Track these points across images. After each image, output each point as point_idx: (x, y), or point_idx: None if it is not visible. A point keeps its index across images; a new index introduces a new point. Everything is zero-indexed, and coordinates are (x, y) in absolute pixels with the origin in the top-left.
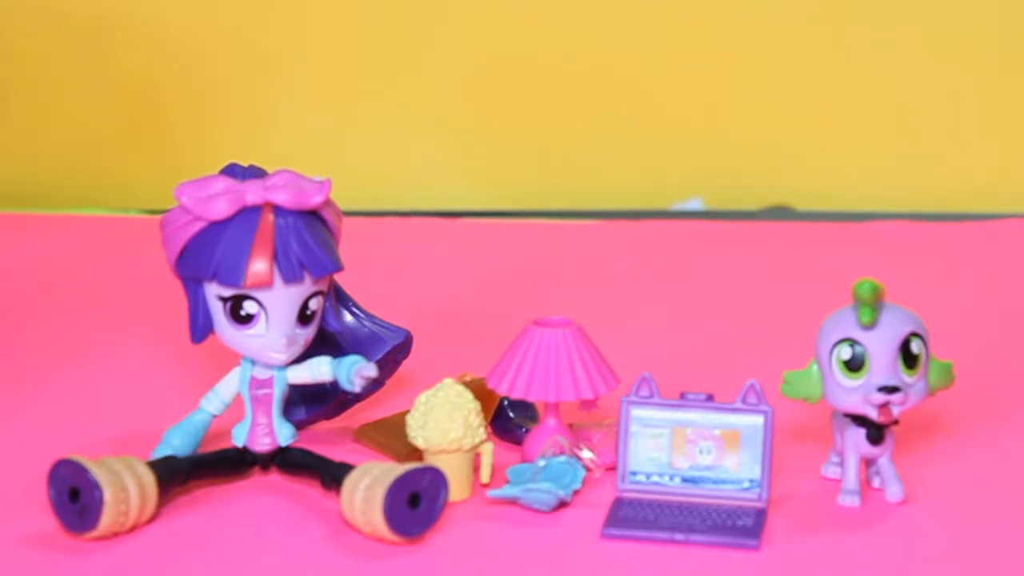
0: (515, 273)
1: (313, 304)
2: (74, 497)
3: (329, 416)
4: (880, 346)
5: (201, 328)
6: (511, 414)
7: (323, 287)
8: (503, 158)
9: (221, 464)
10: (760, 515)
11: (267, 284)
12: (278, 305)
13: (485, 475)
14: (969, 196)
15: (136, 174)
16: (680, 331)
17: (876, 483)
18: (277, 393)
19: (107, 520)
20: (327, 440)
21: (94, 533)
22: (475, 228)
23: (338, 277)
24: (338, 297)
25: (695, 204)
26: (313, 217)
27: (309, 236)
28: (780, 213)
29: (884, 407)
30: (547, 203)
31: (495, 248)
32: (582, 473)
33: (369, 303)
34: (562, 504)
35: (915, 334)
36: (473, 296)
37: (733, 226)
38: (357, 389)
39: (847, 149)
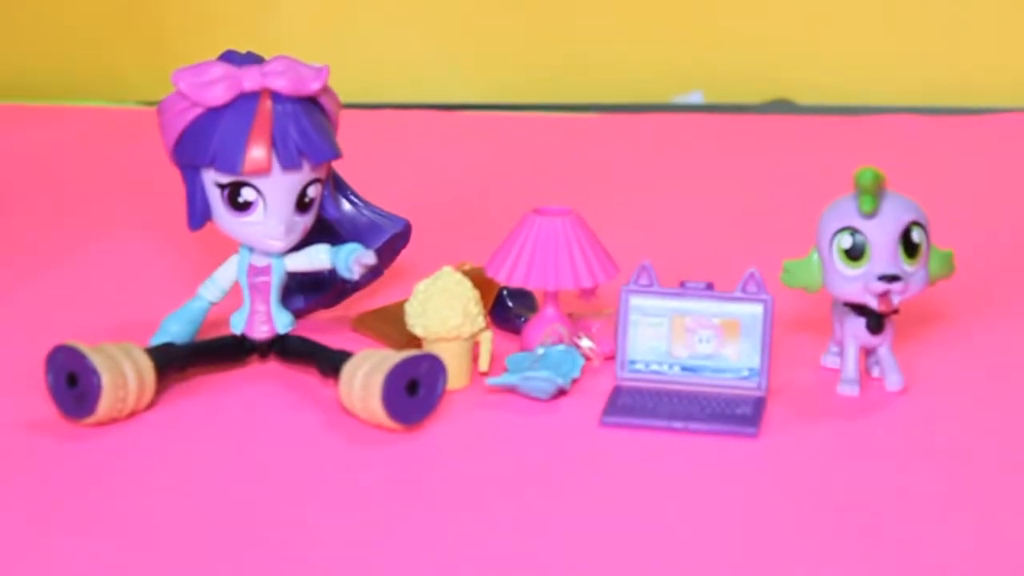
0: (515, 165)
1: (311, 191)
2: (72, 383)
3: (328, 305)
4: (881, 235)
5: (199, 215)
6: (510, 303)
7: (321, 174)
8: (503, 52)
9: (219, 351)
10: (759, 404)
11: (265, 171)
12: (276, 192)
13: (484, 363)
14: (971, 90)
15: (133, 66)
16: (680, 222)
17: (875, 372)
18: (275, 280)
19: (105, 406)
20: (325, 329)
21: (92, 419)
22: (475, 121)
23: (337, 169)
24: (337, 185)
25: (696, 97)
26: (311, 104)
27: (307, 123)
28: (781, 107)
29: (884, 296)
30: (548, 96)
31: (495, 141)
32: (581, 362)
33: (368, 194)
34: (561, 392)
35: (916, 223)
36: (473, 187)
37: (734, 119)
38: (356, 277)
39: (848, 43)
